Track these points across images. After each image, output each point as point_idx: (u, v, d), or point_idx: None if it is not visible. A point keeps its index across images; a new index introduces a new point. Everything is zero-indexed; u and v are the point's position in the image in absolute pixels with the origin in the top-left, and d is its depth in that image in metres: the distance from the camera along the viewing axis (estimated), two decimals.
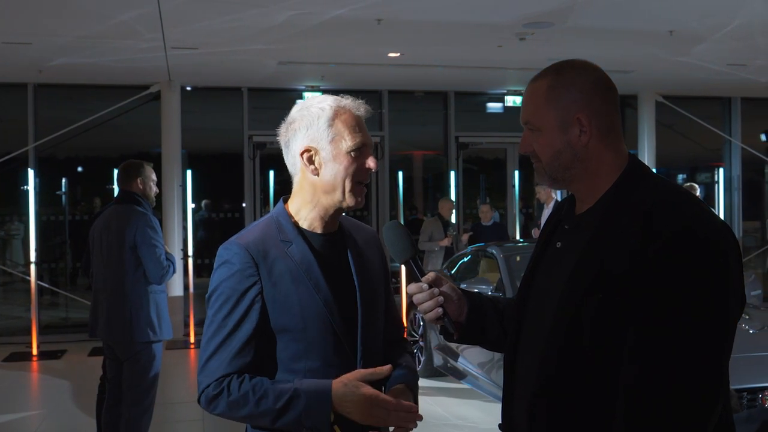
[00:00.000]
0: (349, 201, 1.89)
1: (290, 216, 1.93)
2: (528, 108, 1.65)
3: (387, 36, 7.16)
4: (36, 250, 8.52)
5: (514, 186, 10.52)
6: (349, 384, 1.76)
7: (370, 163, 1.90)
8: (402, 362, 2.02)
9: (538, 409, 1.57)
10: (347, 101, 1.91)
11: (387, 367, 1.84)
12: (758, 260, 11.33)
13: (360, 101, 1.93)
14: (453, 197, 9.96)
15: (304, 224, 1.93)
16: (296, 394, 1.75)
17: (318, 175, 1.88)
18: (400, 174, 9.65)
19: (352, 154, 1.87)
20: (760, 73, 9.24)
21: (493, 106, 10.81)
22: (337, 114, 1.88)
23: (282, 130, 1.93)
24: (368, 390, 1.76)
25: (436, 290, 1.77)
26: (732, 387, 4.15)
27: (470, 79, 9.67)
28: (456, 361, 6.39)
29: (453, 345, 6.32)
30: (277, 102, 9.97)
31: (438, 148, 10.94)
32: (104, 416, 4.61)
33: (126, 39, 7.08)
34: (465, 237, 9.28)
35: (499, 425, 1.75)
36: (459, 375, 6.43)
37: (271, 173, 9.75)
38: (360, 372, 1.80)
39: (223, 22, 6.54)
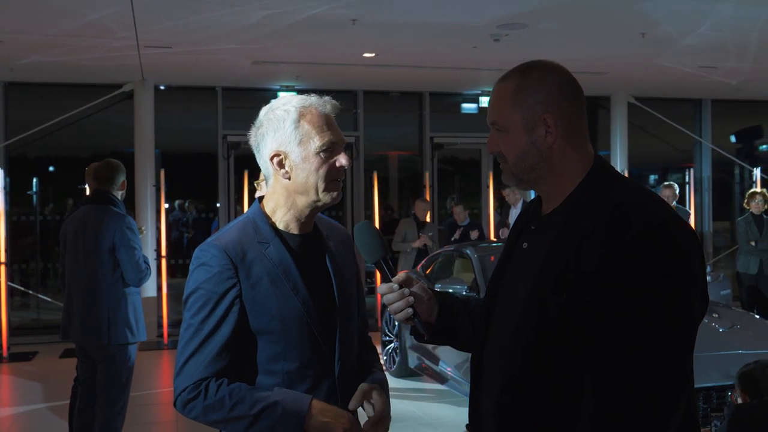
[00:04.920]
0: (325, 199, 1.88)
1: (266, 217, 1.91)
2: (494, 108, 1.66)
3: (362, 36, 7.17)
4: (6, 251, 8.40)
5: (488, 186, 10.57)
6: (332, 408, 1.77)
7: (342, 160, 1.88)
8: (372, 361, 2.06)
9: (504, 408, 1.58)
10: (312, 99, 1.88)
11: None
12: (728, 260, 11.49)
13: (326, 98, 1.90)
14: (428, 197, 9.98)
15: (280, 225, 1.91)
16: (273, 403, 1.73)
17: (290, 178, 1.87)
18: (375, 174, 9.65)
19: (322, 154, 1.85)
20: (730, 75, 9.37)
21: (468, 107, 10.86)
22: (302, 115, 1.85)
23: (251, 134, 1.91)
24: (348, 418, 1.77)
25: (406, 290, 1.77)
26: (701, 385, 4.22)
27: (445, 79, 9.70)
28: (431, 361, 6.41)
29: (428, 345, 6.34)
30: (252, 102, 9.90)
31: (413, 149, 10.96)
32: (77, 418, 4.56)
33: (98, 37, 7.00)
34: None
35: (467, 425, 1.76)
36: (434, 375, 6.45)
37: (246, 173, 9.71)
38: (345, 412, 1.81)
39: (197, 21, 6.50)
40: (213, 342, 1.78)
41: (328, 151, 1.86)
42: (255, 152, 1.92)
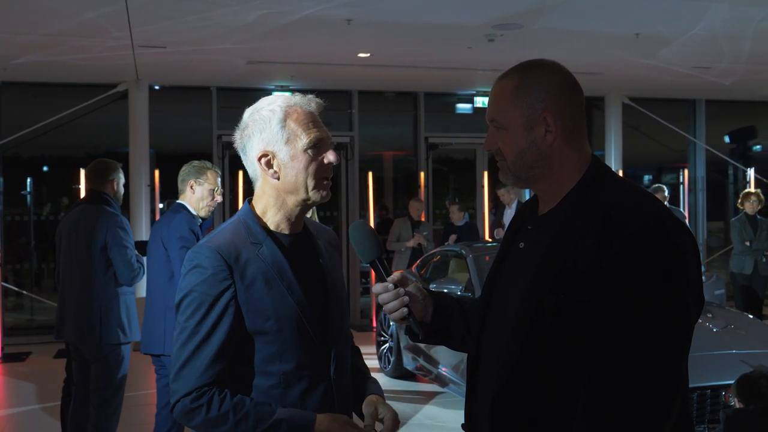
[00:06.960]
0: (315, 197, 1.87)
1: (257, 217, 1.90)
2: (494, 106, 1.66)
3: (357, 36, 7.16)
4: (0, 251, 8.38)
5: (483, 186, 10.58)
6: (337, 419, 1.76)
7: (330, 157, 1.87)
8: (361, 367, 2.07)
9: (500, 408, 1.58)
10: (297, 98, 1.89)
11: None
12: (722, 260, 11.51)
13: (310, 96, 1.90)
14: (422, 197, 9.98)
15: (271, 225, 1.90)
16: (278, 422, 1.73)
17: (279, 178, 1.86)
18: (370, 174, 9.64)
19: (310, 151, 1.85)
20: (724, 76, 9.40)
21: (463, 107, 10.86)
22: (288, 114, 1.85)
23: (237, 136, 1.90)
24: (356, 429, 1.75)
25: (401, 290, 1.77)
26: (695, 385, 4.23)
27: (440, 80, 9.70)
28: (428, 362, 6.40)
29: (424, 346, 6.34)
30: (247, 101, 9.52)
31: (408, 149, 10.95)
32: (71, 418, 4.55)
33: (93, 37, 6.99)
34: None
35: (462, 425, 1.75)
36: (432, 378, 6.44)
37: (240, 173, 9.70)
38: (349, 419, 1.80)
39: (191, 21, 6.49)
40: (209, 346, 1.76)
41: (316, 148, 1.86)
42: (241, 154, 1.91)
